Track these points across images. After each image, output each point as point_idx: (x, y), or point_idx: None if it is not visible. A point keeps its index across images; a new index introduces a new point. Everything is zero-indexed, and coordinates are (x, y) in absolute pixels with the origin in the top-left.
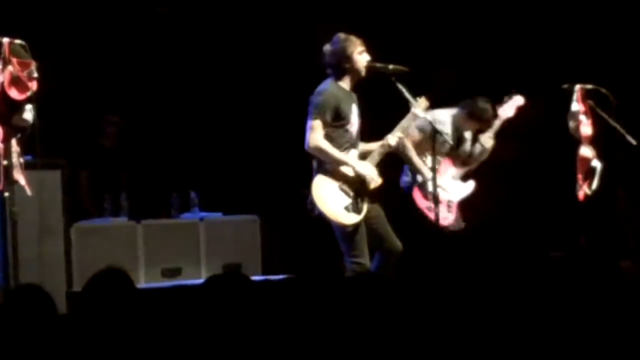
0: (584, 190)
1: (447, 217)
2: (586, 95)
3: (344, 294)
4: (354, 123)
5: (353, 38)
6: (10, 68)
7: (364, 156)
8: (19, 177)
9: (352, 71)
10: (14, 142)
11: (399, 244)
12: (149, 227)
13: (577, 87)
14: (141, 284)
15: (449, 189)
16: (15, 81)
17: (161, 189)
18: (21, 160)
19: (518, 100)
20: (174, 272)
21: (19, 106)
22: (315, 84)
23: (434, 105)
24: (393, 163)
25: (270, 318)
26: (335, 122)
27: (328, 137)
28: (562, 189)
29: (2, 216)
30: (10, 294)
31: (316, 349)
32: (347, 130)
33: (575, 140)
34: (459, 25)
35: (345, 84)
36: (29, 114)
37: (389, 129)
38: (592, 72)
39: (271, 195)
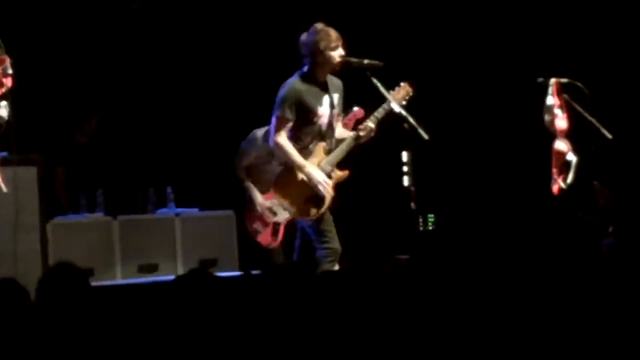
0: (558, 185)
1: (271, 241)
2: (561, 89)
3: (314, 289)
4: (323, 115)
5: (329, 31)
6: None
7: (338, 144)
8: None
9: (324, 64)
10: None
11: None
12: (125, 223)
13: (552, 80)
14: (118, 280)
15: (278, 212)
16: None
17: (137, 185)
18: None
19: (357, 113)
20: (151, 268)
21: None
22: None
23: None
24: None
25: (240, 314)
26: (300, 116)
27: (296, 129)
28: (536, 184)
29: None
30: None
31: (287, 345)
32: (314, 123)
33: (550, 134)
34: (432, 18)
35: (317, 75)
36: (3, 110)
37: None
38: (567, 65)
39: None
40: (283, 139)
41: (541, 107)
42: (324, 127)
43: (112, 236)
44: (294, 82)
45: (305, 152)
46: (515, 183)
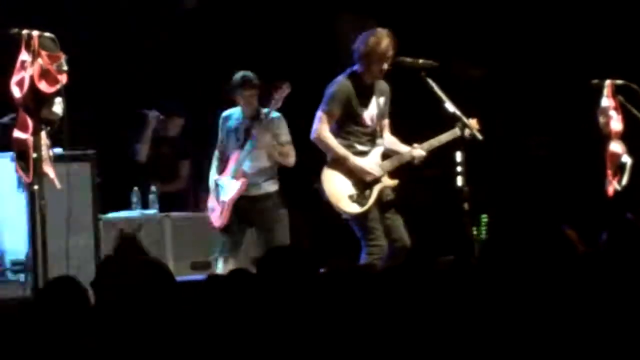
0: (613, 186)
1: (220, 218)
2: (616, 91)
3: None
4: (369, 117)
5: (383, 40)
6: (39, 61)
7: (388, 155)
8: (48, 169)
9: (369, 70)
10: (43, 135)
11: (407, 239)
12: (178, 220)
13: (607, 82)
14: None
15: (227, 189)
16: (45, 74)
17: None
18: (50, 153)
19: (286, 89)
20: (204, 266)
21: (48, 99)
22: (333, 75)
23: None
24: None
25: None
26: (346, 115)
27: (344, 130)
28: (591, 185)
29: (31, 209)
30: (45, 287)
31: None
32: (359, 123)
33: (605, 136)
34: (486, 17)
35: (364, 77)
36: (58, 107)
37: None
38: (622, 67)
39: (298, 188)
40: (326, 132)
41: (596, 108)
42: (370, 130)
43: (165, 233)
44: (343, 80)
45: (355, 153)
46: (570, 184)
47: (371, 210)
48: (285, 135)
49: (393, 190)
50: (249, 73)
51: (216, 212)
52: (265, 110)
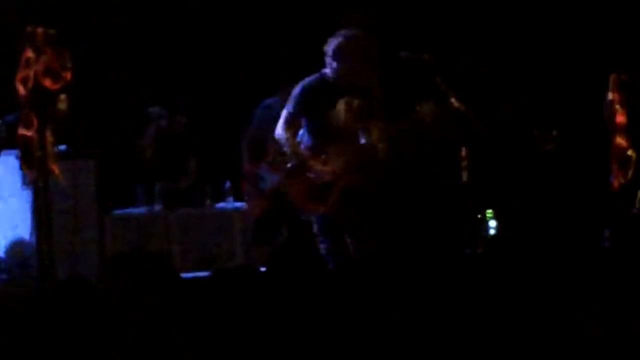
0: (618, 180)
1: (258, 207)
2: (621, 85)
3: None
4: (336, 118)
5: (352, 44)
6: (44, 58)
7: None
8: (53, 166)
9: (338, 70)
10: (48, 132)
11: (370, 240)
12: (183, 217)
13: (612, 76)
14: None
15: (267, 179)
16: (49, 71)
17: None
18: (55, 150)
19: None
20: (209, 262)
21: (53, 96)
22: None
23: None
24: None
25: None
26: (312, 115)
27: (310, 129)
28: (596, 178)
29: (37, 206)
30: (54, 287)
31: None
32: (327, 125)
33: (610, 130)
34: (492, 11)
35: (334, 77)
36: (63, 104)
37: None
38: (628, 61)
39: None
40: (284, 131)
41: (602, 102)
42: (338, 131)
43: (170, 230)
44: (312, 81)
45: (314, 152)
46: (576, 178)
47: (331, 209)
48: None
49: (361, 189)
50: (291, 66)
51: (254, 201)
52: None
